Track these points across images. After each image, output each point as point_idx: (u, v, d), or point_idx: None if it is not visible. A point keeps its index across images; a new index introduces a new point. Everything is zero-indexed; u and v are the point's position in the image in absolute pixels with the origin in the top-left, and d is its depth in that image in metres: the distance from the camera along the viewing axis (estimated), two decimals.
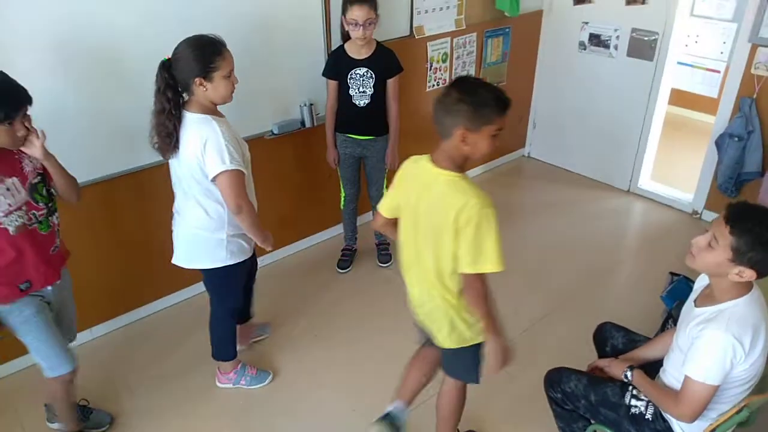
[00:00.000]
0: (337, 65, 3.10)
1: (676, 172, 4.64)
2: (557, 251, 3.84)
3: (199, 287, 3.42)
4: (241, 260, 2.45)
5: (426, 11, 3.79)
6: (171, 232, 2.48)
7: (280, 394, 2.80)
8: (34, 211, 2.04)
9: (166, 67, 2.14)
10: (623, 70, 4.28)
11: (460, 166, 1.80)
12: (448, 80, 4.16)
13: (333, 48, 3.28)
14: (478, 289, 1.80)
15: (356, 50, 3.05)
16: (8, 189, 1.95)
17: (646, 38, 4.10)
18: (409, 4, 3.68)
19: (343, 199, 3.53)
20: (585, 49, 4.44)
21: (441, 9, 3.87)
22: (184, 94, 2.21)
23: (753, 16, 3.54)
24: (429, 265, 1.87)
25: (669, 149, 4.77)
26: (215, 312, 2.65)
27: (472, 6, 4.06)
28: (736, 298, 1.73)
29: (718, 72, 4.00)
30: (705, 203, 4.15)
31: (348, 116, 3.21)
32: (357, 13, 2.88)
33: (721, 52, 3.94)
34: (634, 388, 1.99)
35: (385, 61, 3.14)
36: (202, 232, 2.34)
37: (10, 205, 1.95)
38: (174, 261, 2.46)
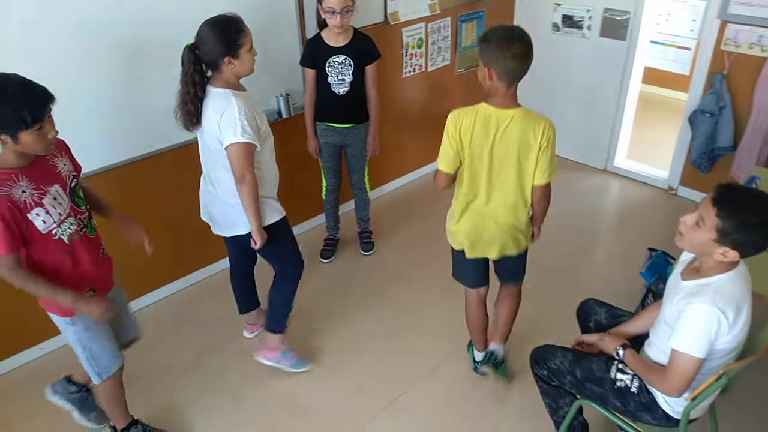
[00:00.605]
0: (315, 54, 3.08)
1: (651, 150, 4.72)
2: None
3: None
4: (277, 219, 2.54)
5: None
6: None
7: (282, 381, 2.82)
8: (79, 216, 2.00)
9: (192, 50, 2.25)
10: (597, 50, 4.32)
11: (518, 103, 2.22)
12: (424, 66, 4.16)
13: (308, 37, 3.26)
14: (550, 194, 2.36)
15: (333, 38, 3.04)
16: (55, 198, 1.89)
17: (618, 18, 4.14)
18: None
19: (324, 189, 3.53)
20: (558, 30, 4.47)
21: None
22: (209, 72, 2.33)
23: None
24: (511, 187, 2.28)
25: (643, 127, 4.84)
26: (280, 277, 2.72)
27: None
28: (722, 273, 1.77)
29: (689, 49, 4.06)
30: (680, 179, 4.22)
31: (327, 105, 3.20)
32: (334, 0, 2.86)
33: (692, 30, 4.00)
34: (620, 362, 2.03)
35: (364, 47, 3.12)
36: (234, 198, 2.40)
37: (60, 214, 1.90)
38: (215, 231, 2.61)
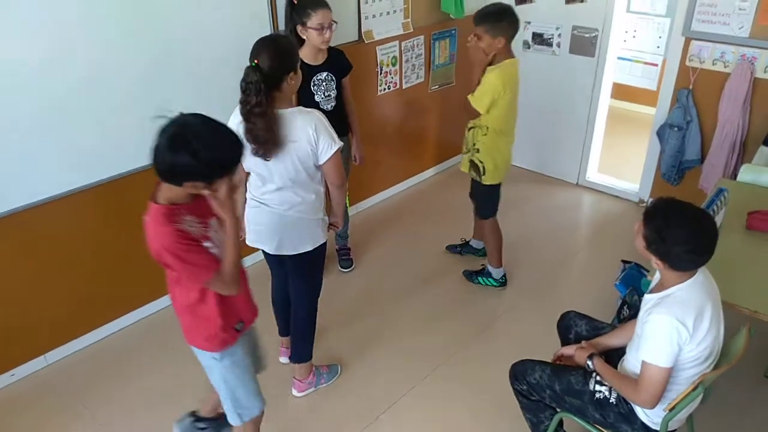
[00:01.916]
0: None
1: (621, 164, 4.81)
2: (513, 246, 3.92)
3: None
4: (325, 240, 2.56)
5: (373, 15, 3.82)
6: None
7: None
8: None
9: (259, 70, 2.11)
10: (567, 67, 4.41)
11: None
12: (399, 83, 4.20)
13: None
14: None
15: (313, 56, 3.05)
16: (215, 231, 1.84)
17: (586, 35, 4.24)
18: (356, 10, 3.71)
19: None
20: (529, 47, 4.56)
21: (388, 13, 3.91)
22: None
23: (684, 11, 3.71)
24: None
25: (614, 142, 4.94)
26: (304, 305, 2.68)
27: (418, 9, 4.11)
28: (680, 283, 1.82)
29: (656, 65, 4.17)
30: (650, 192, 4.31)
31: None
32: (323, 16, 2.88)
33: (658, 46, 4.11)
34: (597, 374, 2.06)
35: (340, 61, 3.18)
36: (305, 215, 2.40)
37: (217, 244, 1.83)
38: (275, 251, 2.49)
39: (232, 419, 2.14)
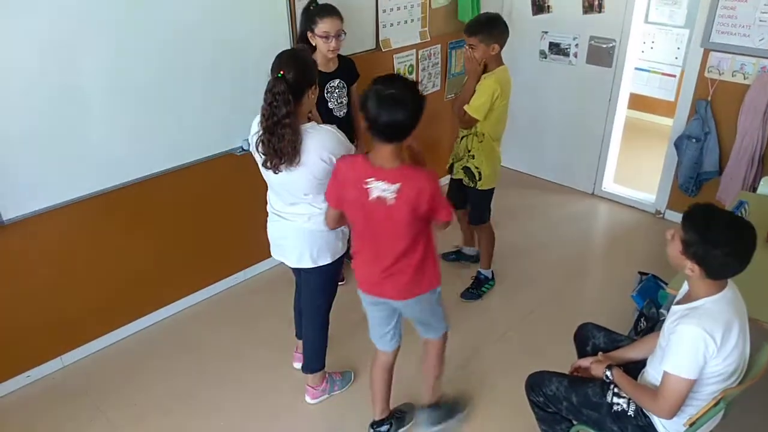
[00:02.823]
0: None
1: (638, 174, 4.78)
2: (530, 256, 3.91)
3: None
4: (343, 252, 2.54)
5: (391, 24, 3.84)
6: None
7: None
8: None
9: (286, 81, 2.09)
10: (583, 77, 4.39)
11: None
12: None
13: None
14: None
15: (325, 64, 3.07)
16: None
17: (604, 45, 4.22)
18: (374, 18, 3.72)
19: None
20: (546, 57, 4.55)
21: (406, 22, 3.93)
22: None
23: (704, 22, 3.69)
24: None
25: (630, 152, 4.91)
26: (317, 317, 2.67)
27: (436, 18, 4.12)
28: (708, 296, 1.80)
29: (674, 76, 4.15)
30: (667, 203, 4.28)
31: None
32: (330, 25, 2.92)
33: (676, 57, 4.09)
34: (615, 386, 2.04)
35: (350, 69, 3.22)
36: (325, 227, 2.36)
37: None
38: (296, 265, 2.49)
39: (440, 334, 2.47)
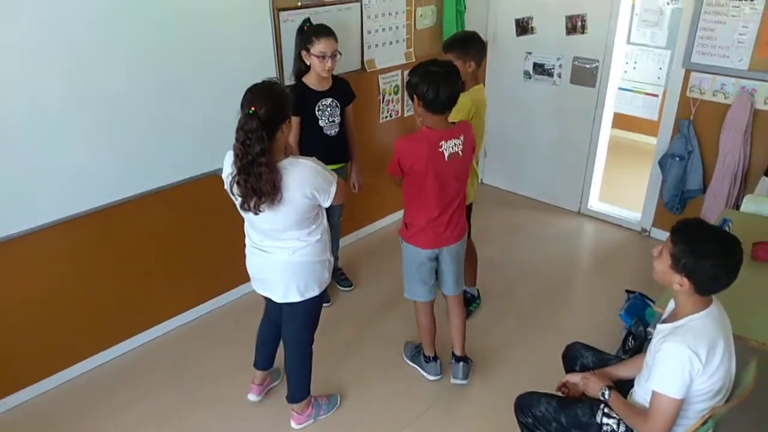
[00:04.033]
0: (302, 100, 3.11)
1: (623, 193, 4.81)
2: (516, 275, 3.90)
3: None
4: (327, 284, 2.51)
5: (376, 45, 3.86)
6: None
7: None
8: None
9: (258, 117, 2.01)
10: (568, 97, 4.44)
11: None
12: (400, 111, 4.23)
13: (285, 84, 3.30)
14: None
15: (318, 83, 3.11)
16: None
17: (587, 66, 4.28)
18: (360, 39, 3.75)
19: None
20: (530, 77, 4.60)
21: (391, 43, 3.95)
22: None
23: (684, 43, 3.75)
24: None
25: (615, 171, 4.95)
26: (301, 349, 2.61)
27: (421, 39, 4.16)
28: (693, 314, 1.80)
29: (657, 96, 4.21)
30: (653, 221, 4.31)
31: (321, 147, 3.19)
32: (325, 45, 2.95)
33: (658, 78, 4.15)
34: (605, 406, 2.02)
35: (345, 89, 3.25)
36: (312, 258, 2.35)
37: None
38: (282, 300, 2.42)
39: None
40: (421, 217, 2.62)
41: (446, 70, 2.39)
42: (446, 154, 2.46)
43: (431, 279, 2.82)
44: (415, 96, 2.41)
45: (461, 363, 2.96)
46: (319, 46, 2.96)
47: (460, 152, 2.49)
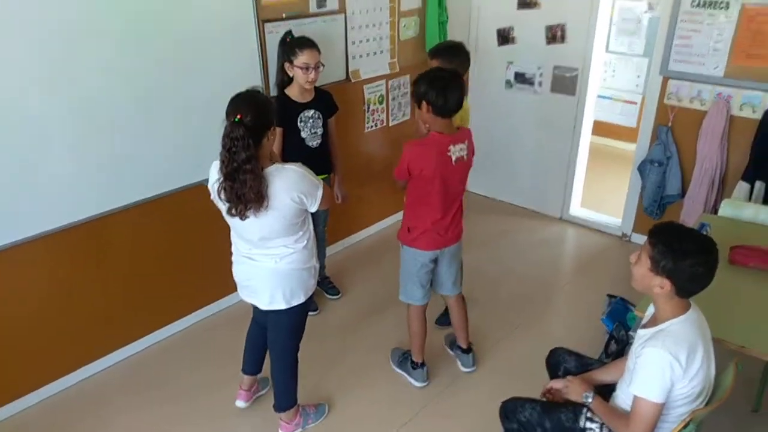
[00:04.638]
0: (285, 111, 3.13)
1: (604, 199, 4.88)
2: (500, 281, 3.94)
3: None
4: (312, 292, 2.52)
5: (360, 56, 3.90)
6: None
7: None
8: None
9: (244, 125, 2.03)
10: (548, 105, 4.50)
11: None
12: (385, 121, 4.27)
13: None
14: None
15: (301, 94, 3.13)
16: None
17: (567, 74, 4.35)
18: (344, 50, 3.78)
19: None
20: (512, 86, 4.66)
21: (375, 53, 3.99)
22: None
23: (661, 51, 3.83)
24: None
25: (596, 177, 5.02)
26: (287, 357, 2.61)
27: (404, 50, 4.20)
28: (673, 318, 1.84)
29: (635, 103, 4.29)
30: (633, 226, 4.38)
31: (303, 159, 3.17)
32: (309, 56, 2.98)
33: (636, 85, 4.24)
34: (588, 410, 2.06)
35: (327, 101, 3.26)
36: (298, 265, 2.36)
37: None
38: (267, 307, 2.43)
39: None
40: (425, 219, 2.68)
41: (452, 76, 2.50)
42: (453, 158, 2.56)
43: (428, 282, 2.90)
44: (424, 102, 2.49)
45: (470, 354, 3.13)
46: (302, 58, 2.98)
47: (464, 156, 2.62)
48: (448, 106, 2.47)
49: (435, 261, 2.84)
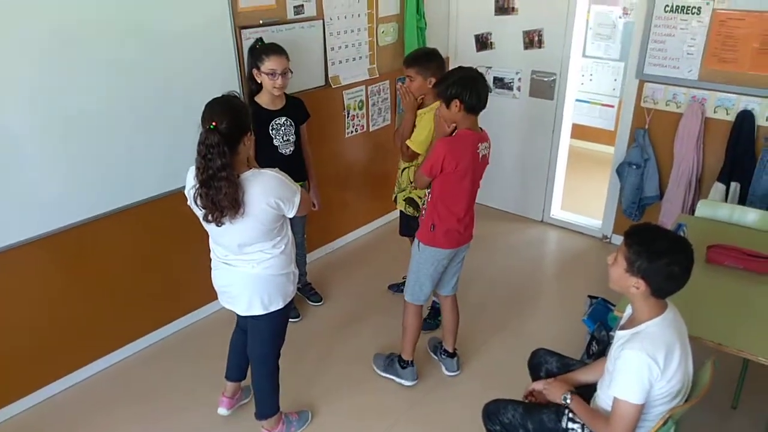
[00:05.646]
0: (256, 119, 3.10)
1: (584, 201, 4.93)
2: (482, 284, 3.96)
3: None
4: (292, 297, 2.49)
5: (340, 62, 3.90)
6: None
7: None
8: None
9: (219, 132, 2.02)
10: (527, 110, 4.55)
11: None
12: (366, 126, 4.27)
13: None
14: None
15: (271, 101, 3.11)
16: None
17: (545, 79, 4.39)
18: (323, 56, 3.78)
19: None
20: (491, 92, 4.68)
21: (354, 59, 4.00)
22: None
23: (637, 55, 3.89)
24: None
25: (576, 180, 5.07)
26: (267, 364, 2.58)
27: (383, 56, 4.22)
28: (650, 320, 1.86)
29: (613, 107, 4.35)
30: (613, 228, 4.43)
31: (277, 167, 3.20)
32: (276, 63, 2.96)
33: (614, 89, 4.30)
34: (570, 411, 2.07)
35: (298, 108, 3.25)
36: (276, 270, 2.33)
37: None
38: (245, 313, 2.41)
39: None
40: (450, 216, 2.71)
41: (477, 74, 2.59)
42: (480, 156, 2.65)
43: (442, 275, 2.96)
44: (457, 101, 2.51)
45: (455, 358, 3.15)
46: (269, 64, 2.96)
47: (487, 155, 2.72)
48: (481, 102, 2.55)
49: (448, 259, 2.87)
